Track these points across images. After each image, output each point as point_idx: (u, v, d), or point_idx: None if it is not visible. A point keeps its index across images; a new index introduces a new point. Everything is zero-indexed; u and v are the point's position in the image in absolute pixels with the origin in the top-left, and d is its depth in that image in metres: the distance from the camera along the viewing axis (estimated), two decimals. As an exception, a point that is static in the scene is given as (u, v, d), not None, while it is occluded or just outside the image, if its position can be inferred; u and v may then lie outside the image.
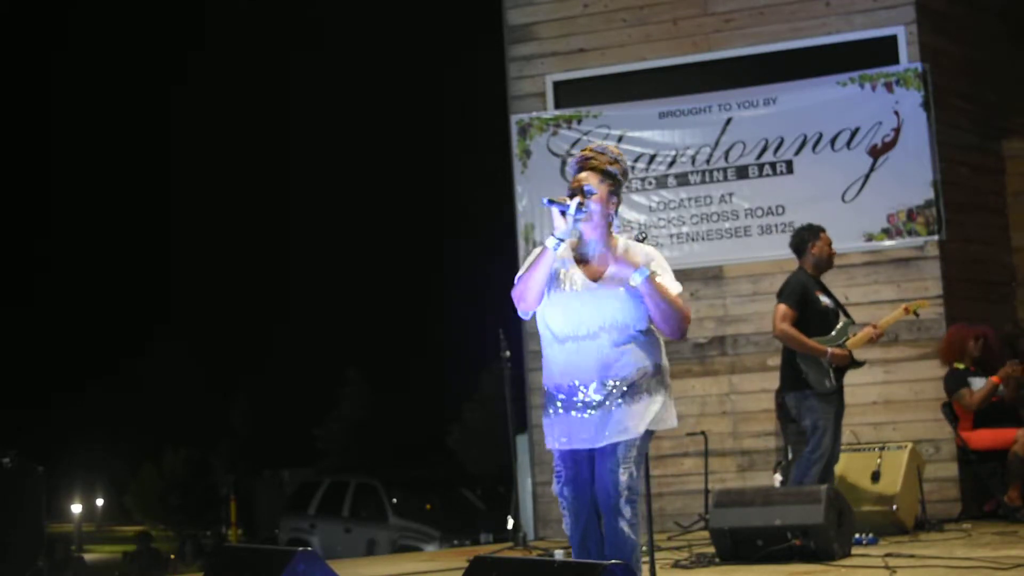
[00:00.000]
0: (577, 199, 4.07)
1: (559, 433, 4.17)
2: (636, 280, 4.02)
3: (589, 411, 4.08)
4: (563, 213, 4.05)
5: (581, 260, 4.20)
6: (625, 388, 4.06)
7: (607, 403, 4.06)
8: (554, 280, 4.15)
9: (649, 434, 4.11)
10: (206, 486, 42.56)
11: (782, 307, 6.76)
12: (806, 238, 7.00)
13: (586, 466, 4.16)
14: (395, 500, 16.30)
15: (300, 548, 4.51)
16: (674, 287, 4.15)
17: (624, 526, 4.03)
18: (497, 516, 15.75)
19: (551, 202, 4.06)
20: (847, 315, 6.96)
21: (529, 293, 4.11)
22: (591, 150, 4.24)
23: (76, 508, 43.95)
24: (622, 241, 4.23)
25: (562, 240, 4.07)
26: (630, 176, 4.36)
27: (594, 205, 4.12)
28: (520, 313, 4.20)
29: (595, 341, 4.09)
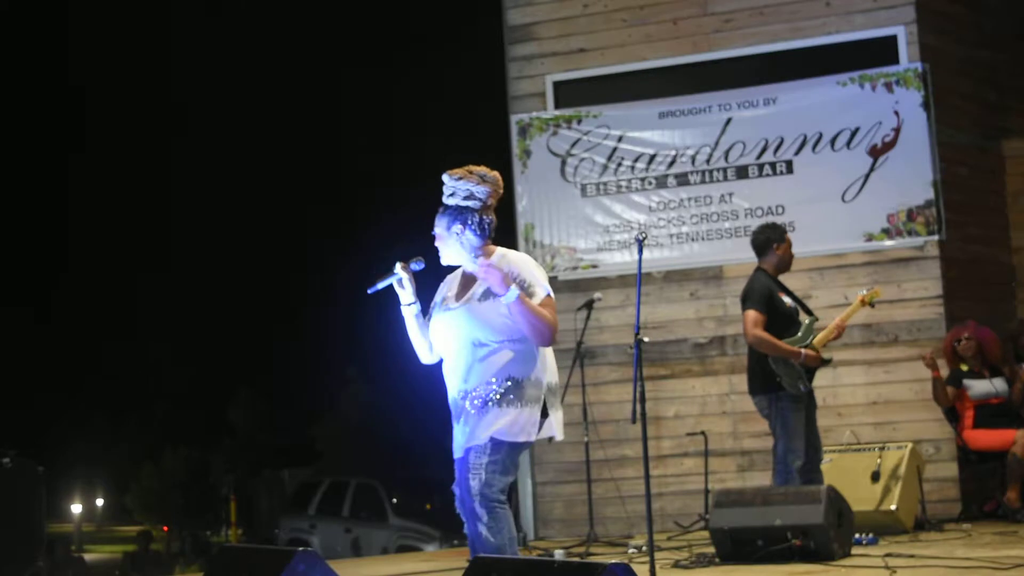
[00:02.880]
0: (395, 275, 4.43)
1: (453, 445, 4.42)
2: (507, 300, 4.20)
3: (459, 422, 4.35)
4: (400, 283, 4.43)
5: (463, 282, 4.48)
6: (479, 400, 4.27)
7: (467, 415, 4.30)
8: (435, 308, 4.50)
9: (501, 443, 4.23)
10: (206, 486, 42.56)
11: (752, 313, 6.69)
12: (771, 238, 6.90)
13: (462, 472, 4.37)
14: (395, 500, 16.29)
15: (300, 548, 4.51)
16: (539, 293, 4.30)
17: (482, 529, 4.22)
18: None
19: (372, 288, 4.44)
20: (809, 312, 6.89)
21: (417, 352, 4.54)
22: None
23: (76, 508, 43.99)
24: (497, 252, 4.43)
25: (411, 304, 4.46)
26: (491, 182, 4.44)
27: (441, 247, 4.46)
28: (425, 364, 4.59)
29: (458, 356, 4.35)
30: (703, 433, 8.39)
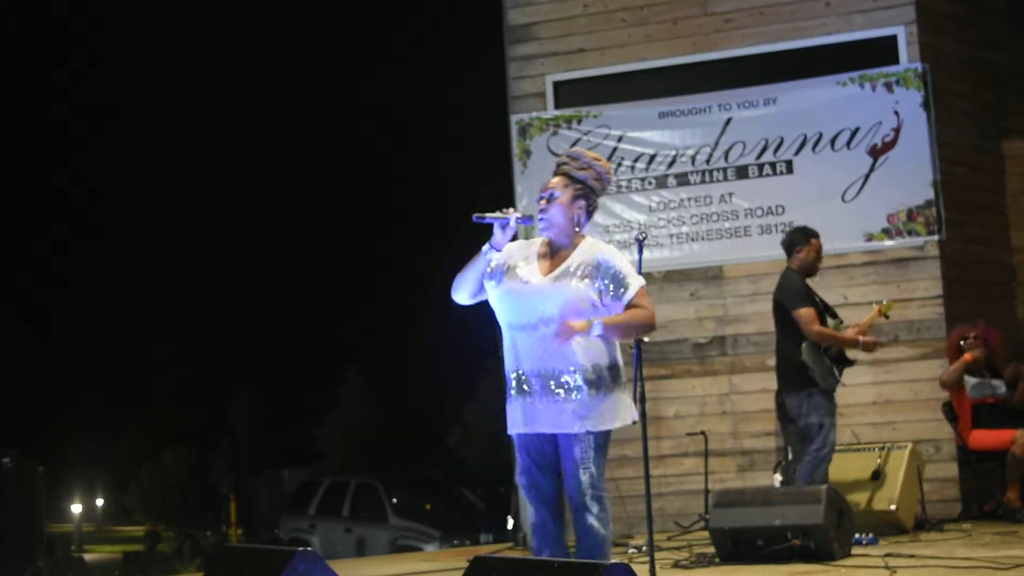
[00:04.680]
0: (515, 213, 4.37)
1: (509, 418, 4.37)
2: (595, 333, 4.20)
3: (537, 398, 4.26)
4: (503, 227, 4.35)
5: (549, 255, 4.42)
6: (568, 384, 4.22)
7: (553, 394, 4.23)
8: (505, 273, 4.38)
9: (603, 433, 4.26)
10: (206, 486, 42.55)
11: (804, 311, 6.80)
12: (796, 241, 7.05)
13: (538, 455, 4.32)
14: (395, 500, 16.30)
15: (300, 548, 4.51)
16: (634, 284, 4.31)
17: (593, 521, 4.20)
18: (497, 516, 15.75)
19: (479, 217, 4.36)
20: (834, 315, 7.01)
21: (458, 287, 4.43)
22: (566, 155, 4.51)
23: (76, 508, 43.96)
24: (587, 242, 4.42)
25: (496, 250, 4.36)
26: (608, 181, 4.51)
27: (554, 208, 4.39)
28: (453, 298, 4.49)
29: (536, 332, 4.27)
30: (703, 433, 8.39)
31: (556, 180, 4.44)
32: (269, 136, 75.86)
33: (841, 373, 6.86)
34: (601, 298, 4.30)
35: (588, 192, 4.42)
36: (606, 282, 4.30)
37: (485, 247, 4.39)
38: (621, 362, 4.34)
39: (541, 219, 4.40)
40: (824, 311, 6.95)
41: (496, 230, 4.37)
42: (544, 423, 4.26)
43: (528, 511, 4.45)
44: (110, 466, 50.18)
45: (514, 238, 4.46)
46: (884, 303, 7.20)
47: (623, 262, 4.36)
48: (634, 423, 4.43)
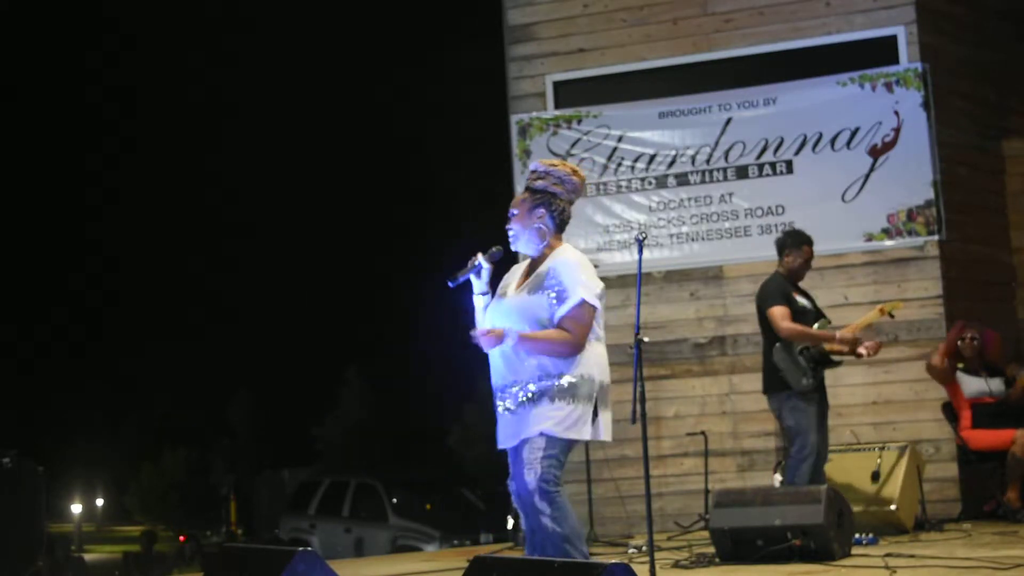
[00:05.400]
0: (480, 256, 4.47)
1: (497, 433, 4.48)
2: (505, 342, 4.31)
3: (507, 412, 4.39)
4: (477, 274, 4.48)
5: (527, 270, 4.53)
6: (530, 393, 4.31)
7: (517, 406, 4.34)
8: (497, 294, 4.56)
9: (554, 438, 4.28)
10: (206, 486, 42.58)
11: (776, 308, 6.76)
12: (787, 245, 7.01)
13: (516, 467, 4.41)
14: (395, 500, 16.30)
15: (300, 548, 4.51)
16: (571, 301, 4.32)
17: (547, 521, 4.27)
18: (497, 516, 15.75)
19: (453, 282, 4.47)
20: (824, 316, 6.96)
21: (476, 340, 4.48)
22: (529, 171, 4.59)
23: (76, 508, 43.98)
24: (558, 251, 4.48)
25: (484, 293, 4.51)
26: (571, 182, 4.52)
27: (515, 225, 4.50)
28: None
29: (502, 346, 4.36)
30: (703, 433, 8.38)
31: (516, 197, 4.56)
32: (269, 136, 75.87)
33: (820, 375, 6.77)
34: (550, 309, 4.35)
35: (549, 198, 4.47)
36: (551, 294, 4.36)
37: (476, 299, 4.54)
38: (596, 378, 4.36)
39: (510, 238, 4.52)
40: (812, 312, 6.89)
41: (474, 281, 4.50)
42: (512, 436, 4.37)
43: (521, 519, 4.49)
44: (110, 466, 50.23)
45: (499, 265, 4.56)
46: (889, 304, 7.13)
47: (573, 273, 4.36)
48: (593, 440, 4.46)
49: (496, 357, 4.41)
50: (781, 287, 6.87)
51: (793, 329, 6.73)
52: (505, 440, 4.41)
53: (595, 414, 4.34)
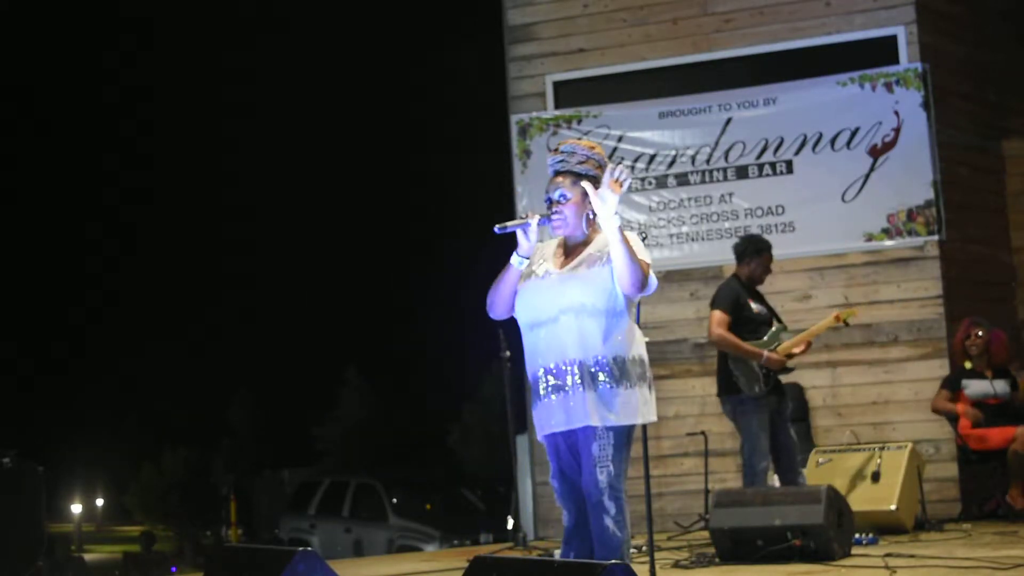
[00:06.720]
0: (535, 216, 4.24)
1: (537, 420, 4.24)
2: (613, 222, 4.08)
3: (556, 395, 4.12)
4: (526, 232, 4.21)
5: (564, 251, 4.33)
6: (588, 377, 4.09)
7: (573, 387, 4.09)
8: (522, 278, 4.28)
9: (623, 429, 4.10)
10: (206, 486, 42.57)
11: (717, 313, 6.76)
12: (746, 252, 6.98)
13: (567, 456, 4.20)
14: (395, 500, 16.30)
15: (300, 548, 4.50)
16: (642, 255, 4.17)
17: (609, 523, 4.06)
18: (497, 516, 15.76)
19: (501, 228, 4.22)
20: (780, 321, 6.93)
21: (495, 304, 4.30)
22: (562, 152, 4.36)
23: (76, 508, 44.00)
24: (603, 233, 4.27)
25: (526, 258, 4.24)
26: (605, 163, 4.38)
27: (568, 209, 4.28)
28: (491, 316, 4.38)
29: (557, 324, 4.15)
30: (703, 433, 8.38)
31: (562, 179, 4.32)
32: (269, 137, 75.90)
33: (772, 381, 6.72)
34: (613, 280, 4.17)
35: (593, 183, 4.29)
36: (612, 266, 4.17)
37: (514, 258, 4.26)
38: (647, 357, 4.22)
39: (555, 219, 4.28)
40: (766, 316, 6.85)
41: (520, 238, 4.24)
42: (566, 420, 4.11)
43: (563, 516, 4.32)
44: (110, 466, 50.22)
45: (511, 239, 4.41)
46: (845, 311, 7.01)
47: (636, 243, 4.22)
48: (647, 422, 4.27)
49: (547, 335, 4.17)
50: (733, 292, 6.85)
51: (721, 337, 6.71)
52: (556, 424, 4.14)
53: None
